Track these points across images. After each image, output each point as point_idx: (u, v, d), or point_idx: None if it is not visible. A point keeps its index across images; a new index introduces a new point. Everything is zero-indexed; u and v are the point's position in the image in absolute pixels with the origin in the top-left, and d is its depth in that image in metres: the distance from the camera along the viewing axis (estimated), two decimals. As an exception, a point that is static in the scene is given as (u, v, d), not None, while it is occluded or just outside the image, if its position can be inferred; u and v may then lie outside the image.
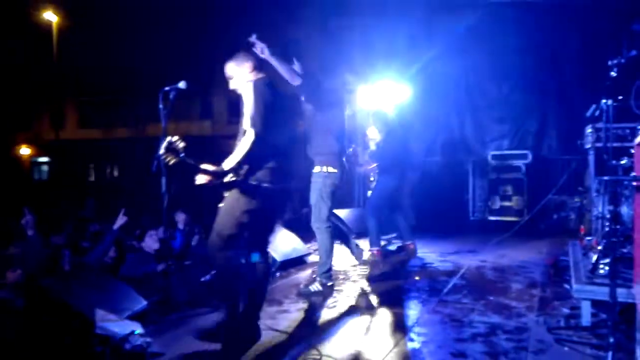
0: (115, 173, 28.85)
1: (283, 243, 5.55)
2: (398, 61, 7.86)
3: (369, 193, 5.93)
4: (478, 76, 8.71)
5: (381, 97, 6.98)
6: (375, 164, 5.93)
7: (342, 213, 7.10)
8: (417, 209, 7.31)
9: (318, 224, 4.41)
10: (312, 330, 3.38)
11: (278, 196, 3.14)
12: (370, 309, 3.86)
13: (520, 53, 8.38)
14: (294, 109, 3.31)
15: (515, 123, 8.50)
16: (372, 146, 5.88)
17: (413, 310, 3.80)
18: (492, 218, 8.02)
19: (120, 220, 4.81)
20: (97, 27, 27.62)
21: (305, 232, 6.13)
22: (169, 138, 2.86)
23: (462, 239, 6.98)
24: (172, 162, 2.86)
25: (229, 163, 2.99)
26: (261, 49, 3.82)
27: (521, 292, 4.33)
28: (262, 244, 3.27)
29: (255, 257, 3.21)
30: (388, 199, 5.65)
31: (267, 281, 3.34)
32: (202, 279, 4.78)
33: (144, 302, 3.67)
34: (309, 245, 6.24)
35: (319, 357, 2.91)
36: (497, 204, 8.03)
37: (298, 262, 5.52)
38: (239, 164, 2.98)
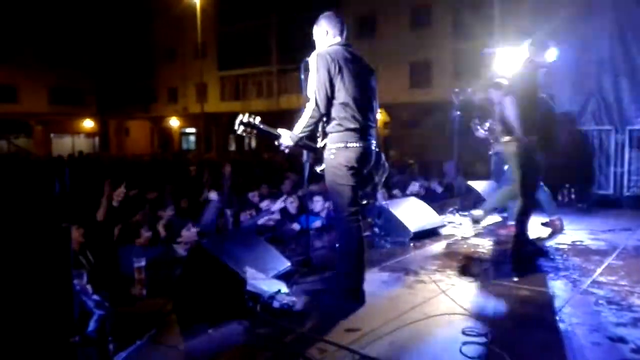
0: (253, 143, 30.58)
1: (416, 214, 5.51)
2: (542, 19, 7.17)
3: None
4: (638, 31, 7.68)
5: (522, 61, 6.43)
6: None
7: (480, 185, 6.85)
8: (564, 183, 6.76)
9: None
10: (448, 304, 3.32)
11: (367, 153, 3.32)
12: (515, 286, 3.68)
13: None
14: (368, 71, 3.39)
15: (682, 86, 7.43)
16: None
17: (563, 291, 3.55)
18: (651, 194, 7.17)
19: (284, 203, 5.52)
20: (235, 5, 29.22)
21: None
22: (239, 117, 3.13)
23: (616, 216, 6.33)
24: (252, 134, 3.17)
25: (297, 128, 3.24)
26: None
27: (690, 276, 3.85)
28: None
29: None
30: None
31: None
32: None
33: (288, 264, 3.90)
34: (442, 217, 6.12)
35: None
36: (658, 178, 7.15)
37: (432, 233, 5.45)
38: (306, 129, 3.23)
